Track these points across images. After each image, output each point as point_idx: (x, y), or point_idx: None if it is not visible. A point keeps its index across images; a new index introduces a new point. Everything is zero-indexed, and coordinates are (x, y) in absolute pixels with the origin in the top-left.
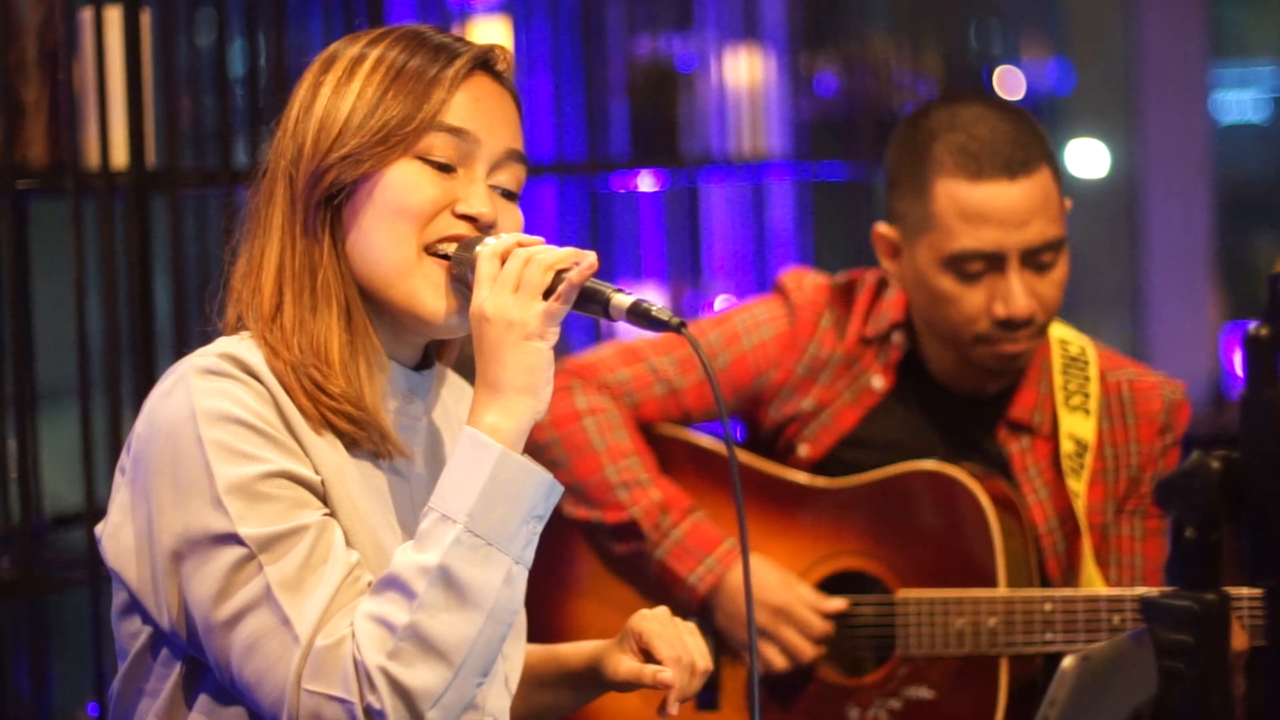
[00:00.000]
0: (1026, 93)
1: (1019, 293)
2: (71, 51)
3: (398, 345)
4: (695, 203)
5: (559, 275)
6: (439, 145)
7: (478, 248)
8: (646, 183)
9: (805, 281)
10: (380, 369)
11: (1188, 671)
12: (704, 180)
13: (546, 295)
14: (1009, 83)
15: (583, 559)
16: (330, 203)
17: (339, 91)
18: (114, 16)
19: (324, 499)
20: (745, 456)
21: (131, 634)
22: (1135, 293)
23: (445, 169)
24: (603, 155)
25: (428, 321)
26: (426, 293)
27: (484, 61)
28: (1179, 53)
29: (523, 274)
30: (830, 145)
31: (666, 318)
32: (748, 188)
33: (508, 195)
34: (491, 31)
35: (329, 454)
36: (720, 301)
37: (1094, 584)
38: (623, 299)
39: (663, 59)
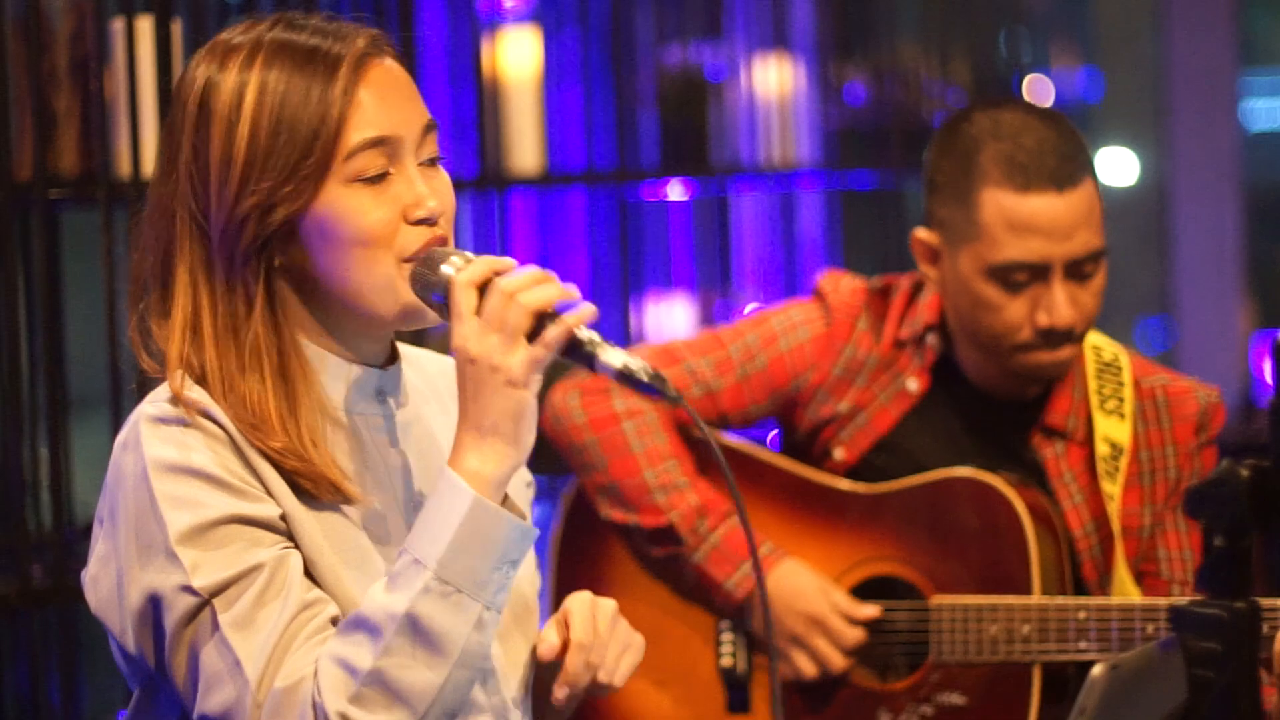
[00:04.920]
0: (1056, 101)
1: (1062, 303)
2: (103, 61)
3: (366, 345)
4: (725, 211)
5: (543, 317)
6: (365, 162)
7: (443, 268)
8: (676, 192)
9: (842, 284)
10: (344, 382)
11: (1217, 680)
12: (733, 189)
13: (531, 336)
14: (1038, 91)
15: (620, 562)
16: (260, 251)
17: (228, 134)
18: (145, 26)
19: (287, 533)
20: (781, 461)
21: (130, 674)
22: (1164, 300)
23: (379, 179)
24: (632, 164)
25: (417, 323)
26: (413, 299)
27: (370, 50)
28: (1208, 61)
29: (506, 314)
30: (860, 154)
31: (660, 386)
32: (777, 196)
33: (433, 161)
34: (521, 41)
35: (291, 489)
36: (750, 310)
37: (1126, 588)
38: (611, 359)
39: (692, 68)
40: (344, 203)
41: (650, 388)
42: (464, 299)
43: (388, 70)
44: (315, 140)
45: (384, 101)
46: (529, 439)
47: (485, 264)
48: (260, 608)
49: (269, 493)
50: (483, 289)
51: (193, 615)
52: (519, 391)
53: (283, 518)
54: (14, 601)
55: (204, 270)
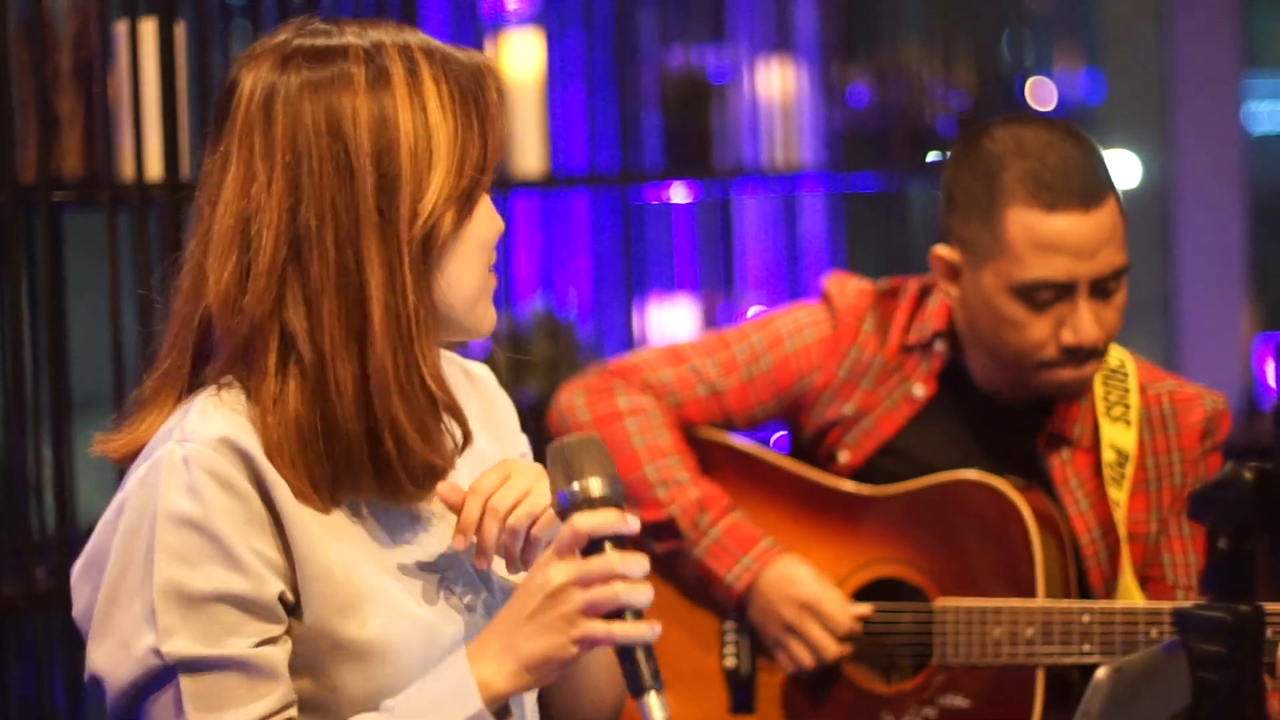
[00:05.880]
0: (1058, 104)
1: (1088, 321)
2: (106, 64)
3: None
4: (728, 214)
5: (612, 616)
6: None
7: (576, 484)
8: (679, 194)
9: (848, 286)
10: None
11: (1221, 683)
12: (736, 191)
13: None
14: (1041, 93)
15: None
16: (429, 243)
17: (414, 116)
18: (149, 29)
19: (282, 615)
20: (787, 462)
21: None
22: (1167, 303)
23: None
24: (635, 167)
25: (483, 335)
26: (491, 314)
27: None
28: (1211, 63)
29: (598, 588)
30: (862, 156)
31: None
32: (780, 199)
33: None
34: (524, 43)
35: (325, 536)
36: (753, 312)
37: (1131, 594)
38: (654, 707)
39: (695, 70)
40: (484, 207)
41: None
42: (575, 540)
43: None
44: (488, 139)
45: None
46: (547, 680)
47: (613, 522)
48: (231, 700)
49: (285, 540)
50: (596, 541)
51: (151, 677)
52: (569, 648)
53: (283, 596)
54: (18, 602)
55: (385, 257)
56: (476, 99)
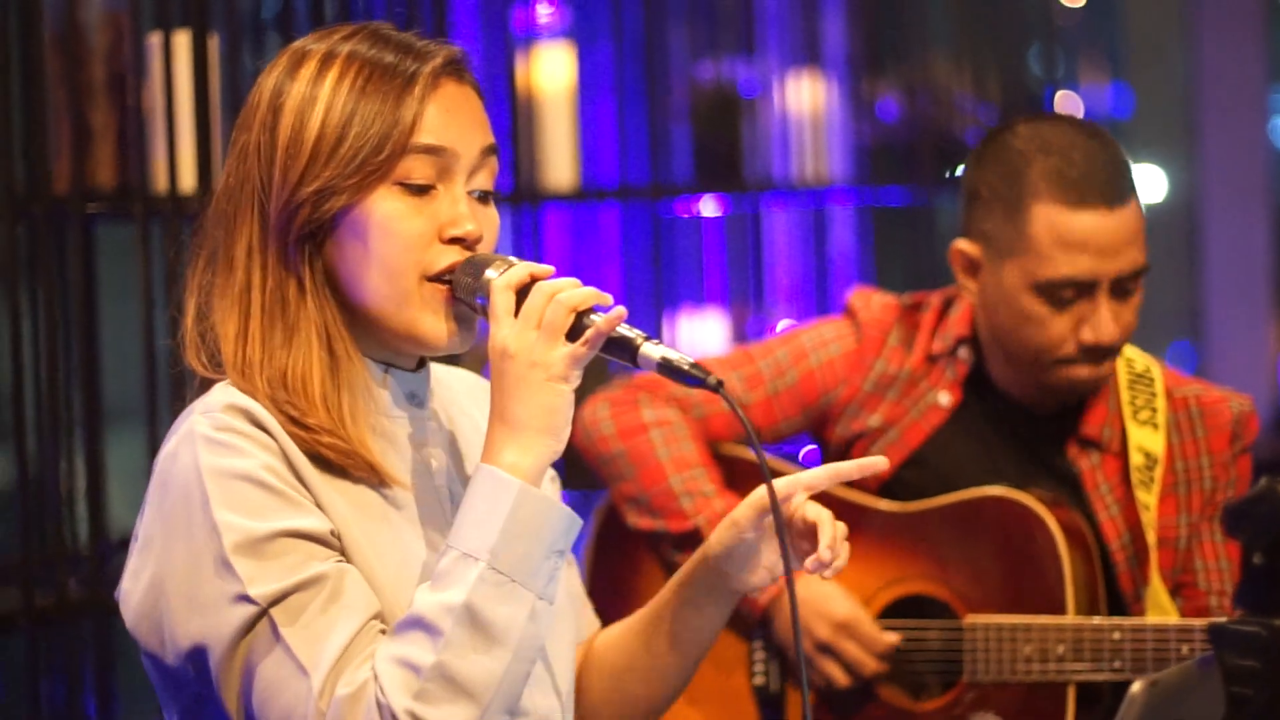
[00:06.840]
0: (1085, 117)
1: (1108, 319)
2: (140, 76)
3: (395, 356)
4: (757, 227)
5: (580, 316)
6: (417, 168)
7: (488, 273)
8: (709, 208)
9: (873, 301)
10: (379, 385)
11: (1255, 697)
12: (766, 205)
13: (569, 336)
14: (1068, 107)
15: (652, 578)
16: (311, 238)
17: (303, 112)
18: (182, 41)
19: (340, 547)
20: None
21: (168, 697)
22: (1194, 318)
23: (425, 190)
24: (665, 180)
25: (429, 346)
26: (426, 320)
27: (449, 68)
28: (1238, 77)
29: (545, 313)
30: (892, 170)
31: (701, 375)
32: (809, 212)
33: (485, 196)
34: (555, 57)
35: (340, 497)
36: (782, 326)
37: (1160, 599)
38: (652, 350)
39: (725, 84)
40: (384, 206)
41: (691, 377)
42: (502, 300)
43: (460, 89)
44: (387, 140)
45: (448, 114)
46: (565, 433)
47: (524, 268)
48: (323, 619)
49: (318, 503)
50: (522, 293)
51: (250, 625)
52: (559, 386)
53: (333, 533)
54: (50, 613)
55: (259, 247)
56: (386, 89)
